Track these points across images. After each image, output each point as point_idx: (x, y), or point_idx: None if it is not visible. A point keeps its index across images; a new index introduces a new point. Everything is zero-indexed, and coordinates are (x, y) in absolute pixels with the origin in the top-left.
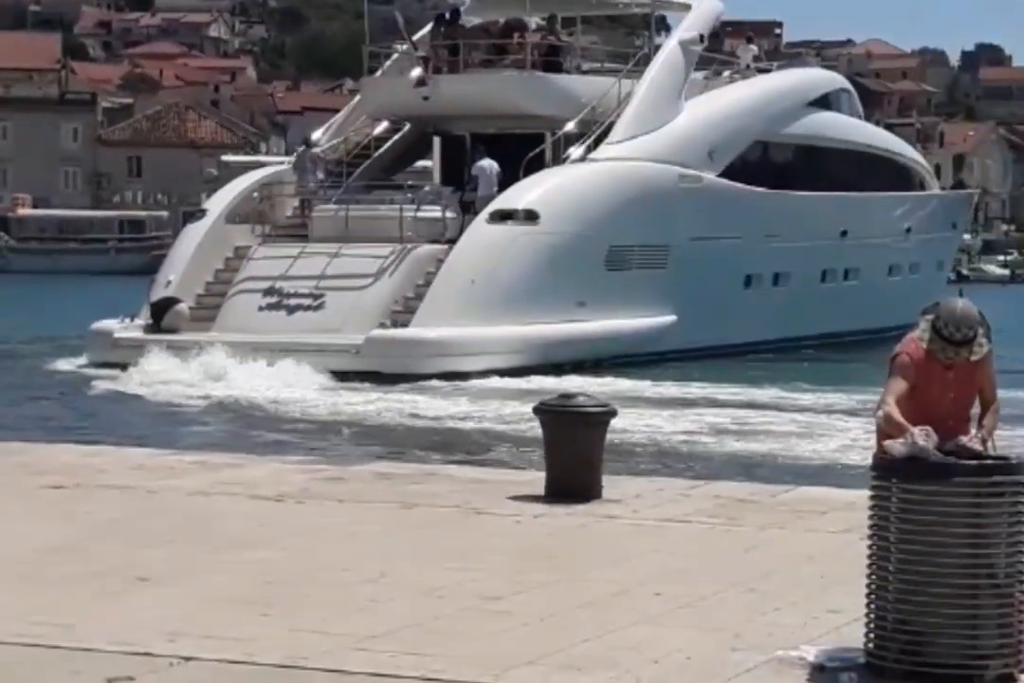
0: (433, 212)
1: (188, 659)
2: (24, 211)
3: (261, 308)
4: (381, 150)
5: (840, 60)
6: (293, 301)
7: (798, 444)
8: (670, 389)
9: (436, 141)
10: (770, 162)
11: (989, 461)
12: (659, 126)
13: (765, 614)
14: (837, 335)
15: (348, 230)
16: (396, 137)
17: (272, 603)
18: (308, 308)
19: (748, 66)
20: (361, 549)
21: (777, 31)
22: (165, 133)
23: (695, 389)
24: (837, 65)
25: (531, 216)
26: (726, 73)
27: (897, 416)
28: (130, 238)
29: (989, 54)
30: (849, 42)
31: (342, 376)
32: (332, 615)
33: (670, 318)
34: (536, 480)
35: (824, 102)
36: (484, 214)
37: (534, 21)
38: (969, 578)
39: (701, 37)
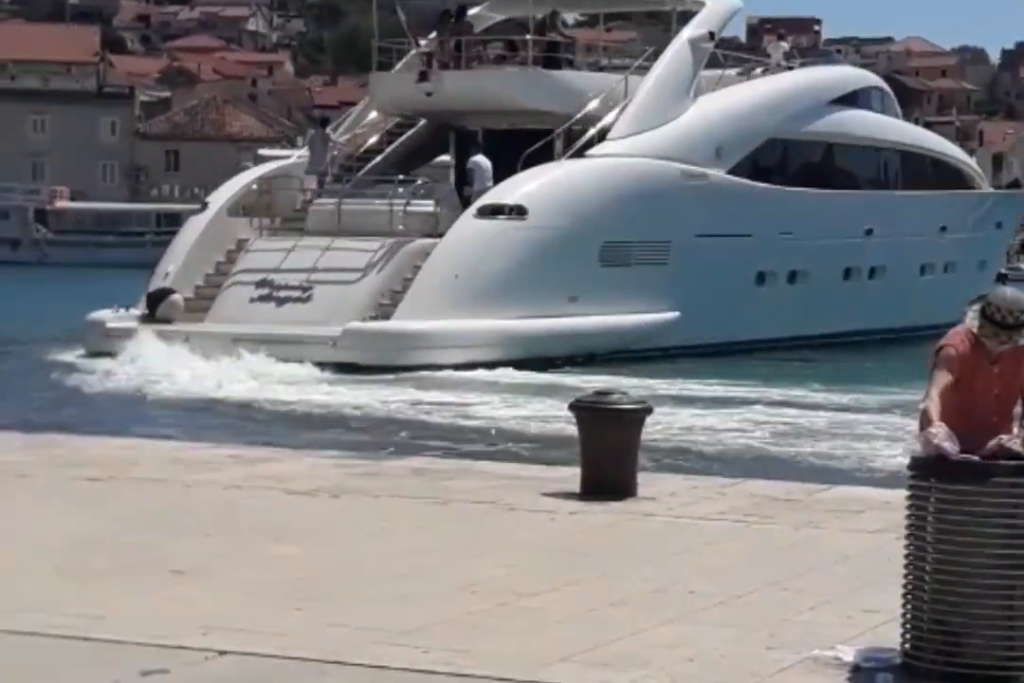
0: (425, 206)
1: (222, 653)
2: (62, 204)
3: (252, 299)
4: (394, 145)
5: (879, 58)
6: (283, 293)
7: (831, 443)
8: (674, 386)
9: (452, 136)
10: (788, 160)
11: None
12: (663, 123)
13: (801, 613)
14: (862, 334)
15: (341, 224)
16: (410, 132)
17: (306, 597)
18: (297, 300)
19: (779, 64)
20: (395, 544)
21: (816, 28)
22: (203, 127)
23: (700, 386)
24: (876, 63)
25: (519, 211)
26: (758, 70)
27: (933, 413)
28: (167, 231)
29: None
30: (888, 39)
31: (321, 367)
32: (366, 610)
33: (672, 314)
34: (571, 477)
35: (851, 100)
36: (472, 209)
37: (572, 17)
38: (1005, 579)
39: (711, 35)
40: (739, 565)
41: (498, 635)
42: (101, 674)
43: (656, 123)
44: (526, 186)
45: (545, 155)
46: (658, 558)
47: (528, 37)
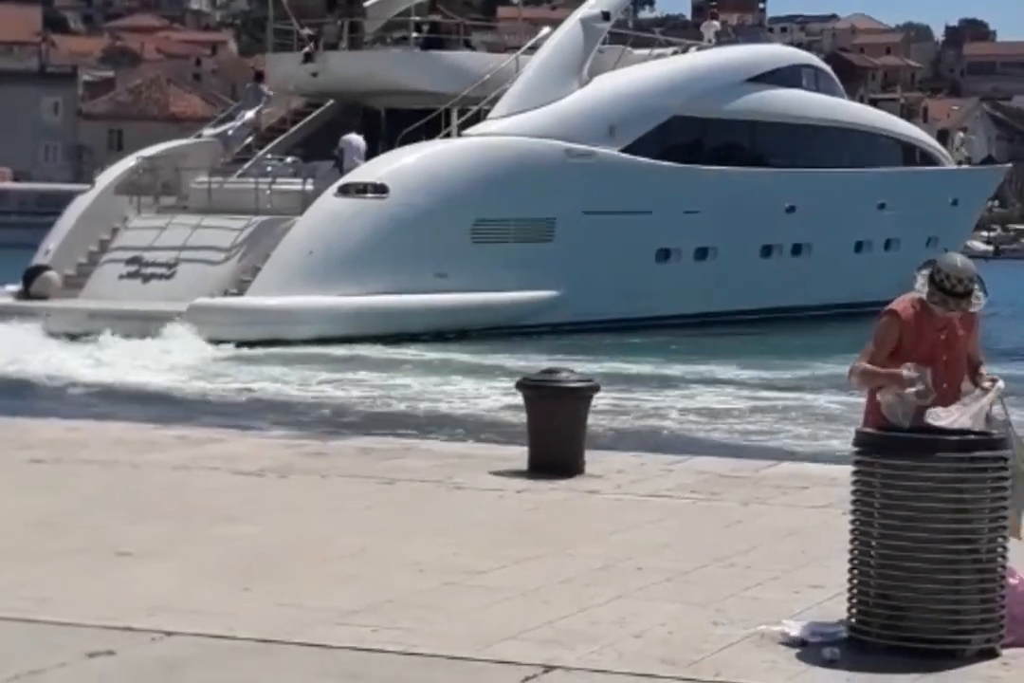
0: (293, 185)
1: (169, 634)
2: (4, 184)
3: (122, 276)
4: (298, 125)
5: (824, 35)
6: (150, 270)
7: (773, 420)
8: (606, 365)
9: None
10: (699, 138)
11: (971, 436)
12: (549, 101)
13: (747, 589)
14: (786, 310)
15: (213, 202)
16: (316, 112)
17: (254, 577)
18: (162, 277)
19: (710, 42)
20: (343, 524)
21: (761, 6)
22: (146, 107)
23: (630, 364)
24: (821, 40)
25: (380, 189)
26: (692, 49)
27: (871, 367)
28: None
29: (973, 29)
30: (833, 17)
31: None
32: (314, 590)
33: (550, 292)
34: (518, 455)
35: (775, 78)
36: (333, 187)
37: None
38: (951, 553)
39: (606, 15)
40: (686, 541)
41: (446, 613)
42: (47, 656)
43: (540, 102)
44: (390, 165)
45: (433, 135)
46: (605, 535)
47: (414, 18)
